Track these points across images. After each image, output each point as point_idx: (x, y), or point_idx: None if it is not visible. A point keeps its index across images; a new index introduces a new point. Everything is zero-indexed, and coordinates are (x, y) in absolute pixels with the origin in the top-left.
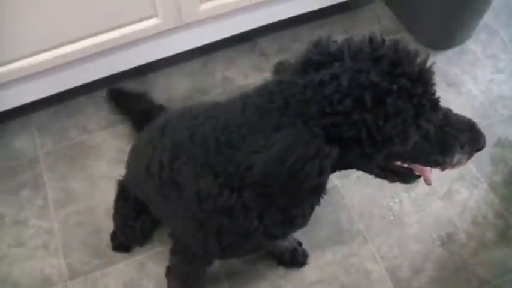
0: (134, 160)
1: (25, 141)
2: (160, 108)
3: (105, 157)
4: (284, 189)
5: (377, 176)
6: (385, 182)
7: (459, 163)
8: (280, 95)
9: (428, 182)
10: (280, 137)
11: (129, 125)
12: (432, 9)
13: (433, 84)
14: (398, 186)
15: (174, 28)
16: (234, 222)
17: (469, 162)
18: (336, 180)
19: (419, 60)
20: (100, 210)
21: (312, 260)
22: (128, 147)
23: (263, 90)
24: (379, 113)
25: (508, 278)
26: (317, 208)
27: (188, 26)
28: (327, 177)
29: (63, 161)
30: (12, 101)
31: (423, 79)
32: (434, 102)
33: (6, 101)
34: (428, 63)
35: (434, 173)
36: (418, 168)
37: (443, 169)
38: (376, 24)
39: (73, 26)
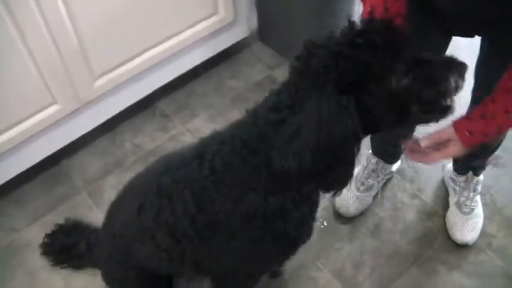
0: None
1: None
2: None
3: (38, 249)
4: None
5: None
6: None
7: (458, 86)
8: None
9: None
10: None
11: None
12: (302, 36)
13: None
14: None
15: (76, 110)
16: (288, 218)
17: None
18: None
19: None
20: None
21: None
22: None
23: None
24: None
25: (435, 247)
26: None
27: (88, 104)
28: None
29: None
30: None
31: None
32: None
33: None
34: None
35: None
36: None
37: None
38: (258, 63)
39: None
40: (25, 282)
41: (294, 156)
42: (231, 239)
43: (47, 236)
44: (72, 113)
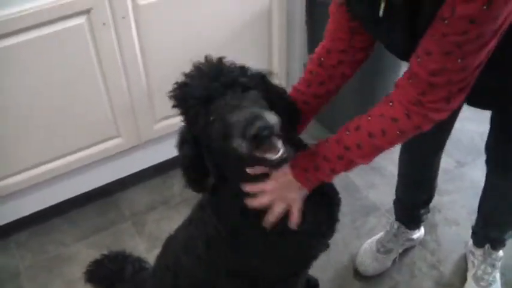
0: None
1: (6, 258)
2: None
3: (80, 264)
4: None
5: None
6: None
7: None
8: None
9: None
10: None
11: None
12: (347, 113)
13: None
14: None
15: (135, 146)
16: None
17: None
18: None
19: None
20: None
21: None
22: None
23: None
24: None
25: None
26: None
27: (147, 144)
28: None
29: (42, 272)
30: None
31: None
32: None
33: None
34: None
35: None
36: None
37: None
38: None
39: (49, 147)
40: None
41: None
42: (246, 242)
43: (92, 263)
44: (131, 149)
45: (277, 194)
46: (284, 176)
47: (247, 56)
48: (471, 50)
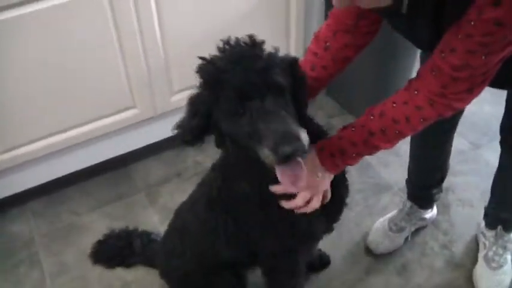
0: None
1: (22, 225)
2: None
3: (94, 233)
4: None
5: None
6: None
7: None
8: None
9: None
10: None
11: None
12: (365, 95)
13: None
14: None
15: (151, 118)
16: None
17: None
18: None
19: None
20: (92, 276)
21: None
22: (112, 224)
23: None
24: None
25: None
26: None
27: (163, 116)
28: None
29: (56, 240)
30: (9, 189)
31: None
32: None
33: (5, 189)
34: None
35: None
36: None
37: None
38: (320, 110)
39: (64, 116)
40: (76, 258)
41: None
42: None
43: (96, 244)
44: (147, 120)
45: (311, 191)
46: (311, 163)
47: (265, 29)
48: (495, 49)
